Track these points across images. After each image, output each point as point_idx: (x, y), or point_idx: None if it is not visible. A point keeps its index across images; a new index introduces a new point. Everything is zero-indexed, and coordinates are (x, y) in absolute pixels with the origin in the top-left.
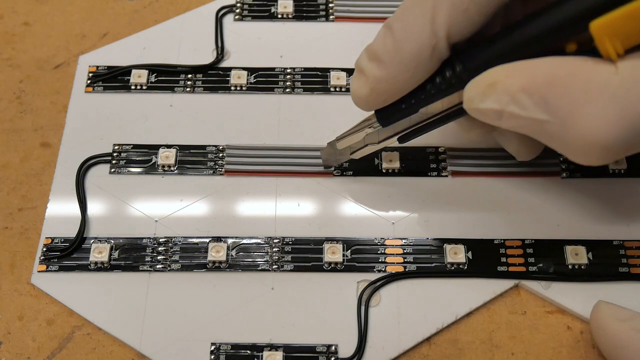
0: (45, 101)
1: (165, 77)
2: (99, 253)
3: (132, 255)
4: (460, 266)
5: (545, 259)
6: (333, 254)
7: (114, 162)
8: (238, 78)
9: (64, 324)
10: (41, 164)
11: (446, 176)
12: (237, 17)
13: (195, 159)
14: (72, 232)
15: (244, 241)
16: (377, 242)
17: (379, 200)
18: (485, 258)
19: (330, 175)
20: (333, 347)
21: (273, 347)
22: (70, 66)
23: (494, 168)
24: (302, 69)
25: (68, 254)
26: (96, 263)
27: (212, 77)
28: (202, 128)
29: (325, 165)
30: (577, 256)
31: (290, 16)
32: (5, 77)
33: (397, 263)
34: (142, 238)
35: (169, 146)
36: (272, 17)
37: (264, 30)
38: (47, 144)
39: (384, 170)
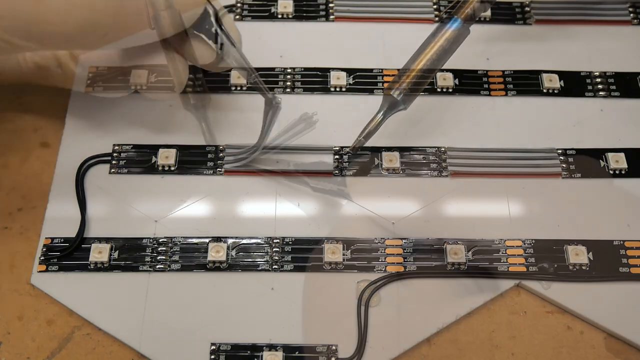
0: (45, 101)
1: (166, 77)
2: (99, 253)
3: (132, 255)
4: (461, 266)
5: (546, 259)
6: (333, 254)
7: (113, 162)
8: (238, 78)
9: (63, 324)
10: (41, 164)
11: (446, 176)
12: (237, 16)
13: (195, 159)
14: (72, 232)
15: (244, 241)
16: (377, 242)
17: (379, 200)
18: (485, 258)
19: (330, 175)
20: (333, 347)
21: (273, 347)
22: None
23: (494, 168)
24: (302, 69)
25: (68, 254)
26: (96, 263)
27: (212, 77)
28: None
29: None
30: (577, 256)
31: (290, 16)
32: None
33: (397, 263)
34: (142, 238)
35: (168, 146)
36: (272, 17)
37: (264, 30)
38: (47, 144)
39: (384, 170)
